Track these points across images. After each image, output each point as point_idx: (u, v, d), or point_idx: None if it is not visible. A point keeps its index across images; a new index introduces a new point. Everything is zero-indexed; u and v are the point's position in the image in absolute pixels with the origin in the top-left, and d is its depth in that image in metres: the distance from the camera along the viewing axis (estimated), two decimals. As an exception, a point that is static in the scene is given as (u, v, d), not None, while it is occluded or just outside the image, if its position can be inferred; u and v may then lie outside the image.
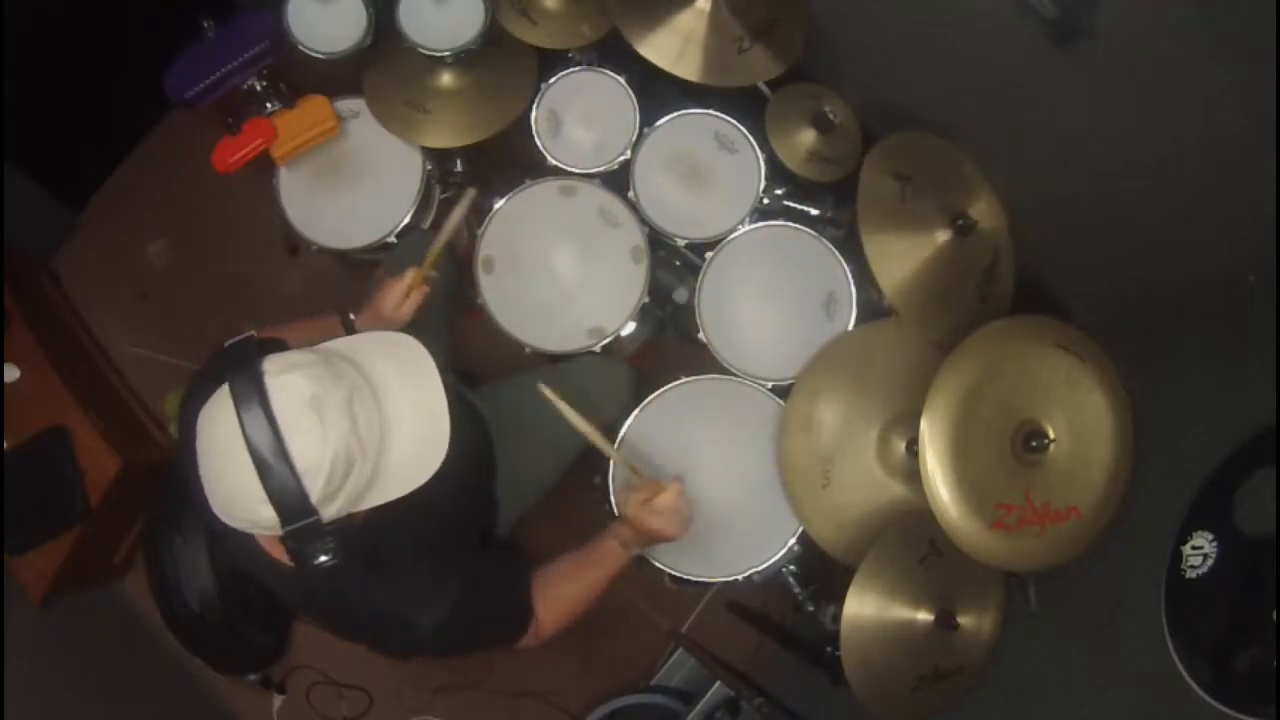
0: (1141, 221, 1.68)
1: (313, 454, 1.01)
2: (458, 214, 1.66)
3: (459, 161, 2.22)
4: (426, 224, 2.16)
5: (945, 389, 1.54)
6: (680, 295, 2.06)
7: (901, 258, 1.74)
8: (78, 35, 2.27)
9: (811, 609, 1.89)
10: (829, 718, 1.95)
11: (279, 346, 1.13)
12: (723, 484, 1.85)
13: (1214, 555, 1.29)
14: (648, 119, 1.99)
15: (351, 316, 1.60)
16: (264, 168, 2.03)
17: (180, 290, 2.67)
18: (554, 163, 1.97)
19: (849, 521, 1.74)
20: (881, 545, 1.64)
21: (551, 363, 1.95)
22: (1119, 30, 1.45)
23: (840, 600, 1.60)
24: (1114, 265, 1.80)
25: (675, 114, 1.99)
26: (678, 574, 1.80)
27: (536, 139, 1.98)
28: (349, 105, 2.07)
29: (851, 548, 1.71)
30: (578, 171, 1.98)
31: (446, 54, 1.92)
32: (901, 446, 1.73)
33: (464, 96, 2.04)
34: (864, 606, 1.60)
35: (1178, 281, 1.65)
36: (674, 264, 2.12)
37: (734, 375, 1.87)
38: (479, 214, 1.99)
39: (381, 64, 2.04)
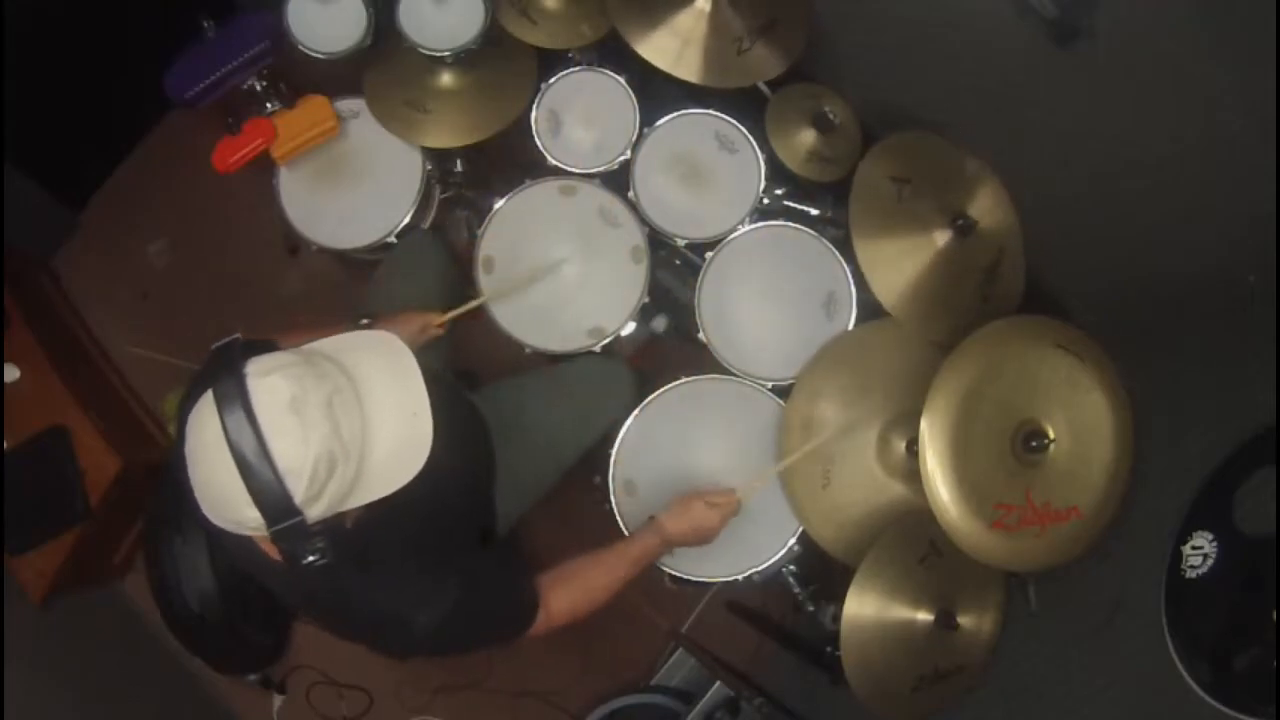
0: (1141, 221, 1.68)
1: (294, 455, 1.01)
2: (482, 300, 1.87)
3: (459, 161, 2.22)
4: (426, 224, 2.16)
5: (945, 389, 1.54)
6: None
7: (899, 260, 1.74)
8: (78, 35, 2.27)
9: (811, 609, 1.89)
10: (829, 718, 1.95)
11: (268, 347, 1.14)
12: (723, 484, 1.84)
13: (1214, 555, 1.29)
14: (648, 119, 1.99)
15: (365, 322, 1.62)
16: (264, 168, 2.03)
17: (180, 290, 2.67)
18: (554, 163, 1.97)
19: (849, 521, 1.74)
20: (881, 545, 1.64)
21: (551, 363, 1.95)
22: (1119, 30, 1.45)
23: (840, 600, 1.60)
24: (1114, 265, 1.80)
25: (675, 114, 1.99)
26: (678, 574, 1.80)
27: (536, 139, 1.98)
28: (349, 105, 2.07)
29: (851, 548, 1.71)
30: (578, 171, 1.98)
31: (446, 54, 1.92)
32: (901, 446, 1.73)
33: (464, 96, 2.04)
34: (864, 606, 1.60)
35: (1178, 281, 1.65)
36: (674, 264, 2.12)
37: (734, 375, 1.87)
38: (479, 214, 1.99)
39: (381, 64, 2.04)
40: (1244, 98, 1.35)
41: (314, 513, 1.05)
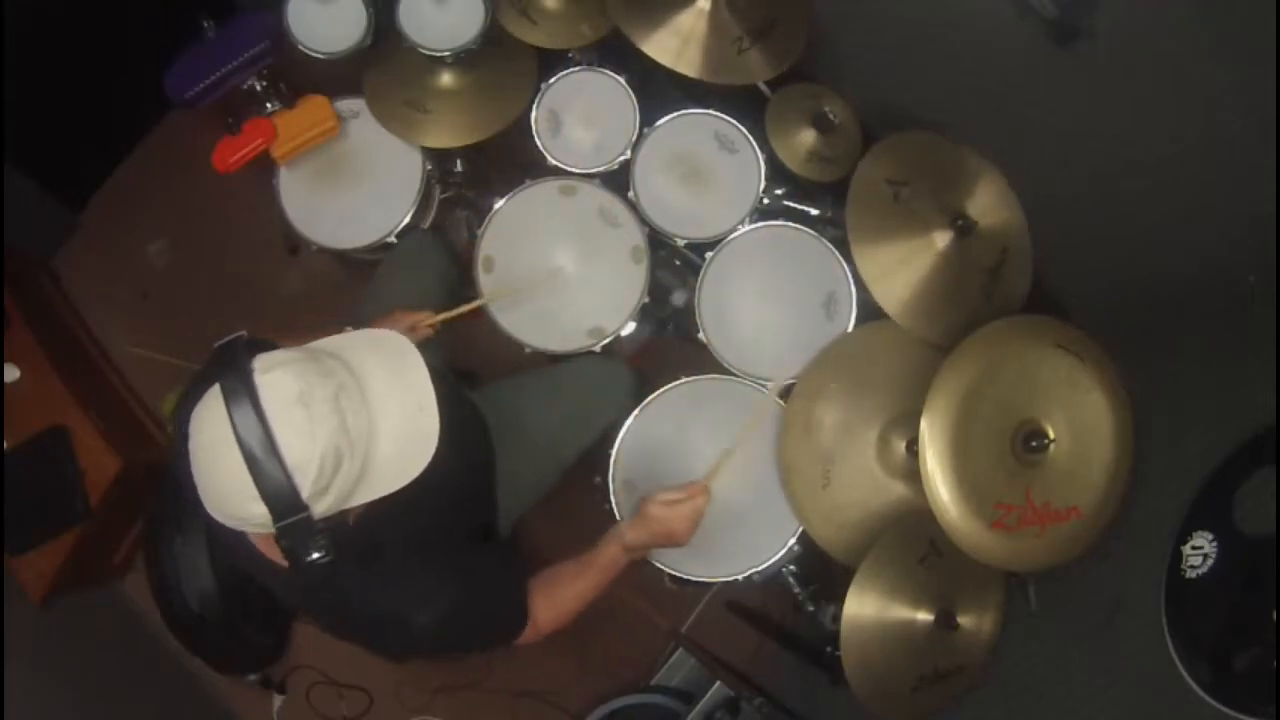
0: (1141, 221, 1.68)
1: (302, 449, 1.01)
2: (476, 304, 1.83)
3: (459, 161, 2.22)
4: (426, 224, 2.16)
5: (945, 389, 1.54)
6: (678, 299, 2.06)
7: (899, 261, 1.74)
8: (78, 35, 2.26)
9: (811, 609, 1.89)
10: (829, 718, 1.95)
11: (269, 346, 1.14)
12: (723, 484, 1.84)
13: (1214, 555, 1.29)
14: (648, 119, 1.99)
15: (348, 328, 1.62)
16: (264, 168, 2.03)
17: (180, 290, 2.67)
18: (554, 163, 1.97)
19: (849, 521, 1.74)
20: (881, 545, 1.64)
21: (551, 363, 1.95)
22: (1119, 30, 1.45)
23: (840, 600, 1.60)
24: (1114, 265, 1.80)
25: (675, 114, 1.99)
26: (678, 574, 1.80)
27: (536, 139, 1.98)
28: (349, 105, 2.07)
29: (851, 548, 1.71)
30: (578, 171, 1.98)
31: (446, 54, 1.92)
32: (901, 446, 1.73)
33: (464, 96, 2.04)
34: (864, 606, 1.60)
35: (1178, 281, 1.65)
36: (674, 264, 2.12)
37: (734, 375, 1.87)
38: (479, 214, 1.99)
39: (381, 64, 2.04)
40: (1244, 98, 1.35)
41: (320, 508, 1.05)
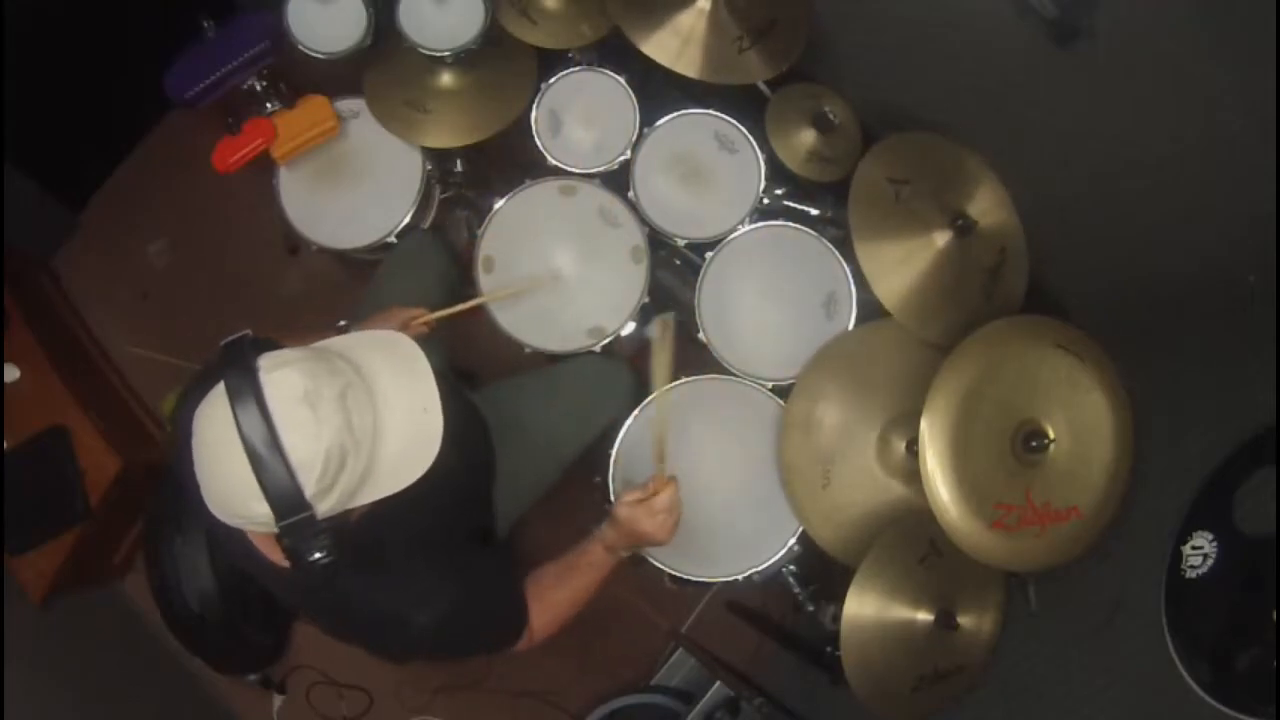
0: (1141, 221, 1.68)
1: (307, 448, 1.01)
2: (474, 303, 1.84)
3: (459, 161, 2.22)
4: (426, 224, 2.16)
5: (945, 389, 1.54)
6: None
7: (899, 261, 1.74)
8: (78, 35, 2.27)
9: (811, 609, 1.89)
10: (829, 718, 1.95)
11: (274, 346, 1.14)
12: (723, 484, 1.85)
13: (1214, 555, 1.29)
14: (648, 119, 1.99)
15: (342, 324, 1.61)
16: (264, 168, 2.03)
17: (180, 290, 2.67)
18: (554, 163, 1.97)
19: (849, 521, 1.74)
20: (881, 545, 1.64)
21: (551, 362, 1.95)
22: (1119, 30, 1.45)
23: (840, 600, 1.60)
24: (1114, 265, 1.80)
25: (675, 114, 1.99)
26: (678, 574, 1.80)
27: (536, 139, 1.98)
28: (349, 105, 2.07)
29: (851, 548, 1.70)
30: (578, 171, 1.98)
31: (446, 54, 1.92)
32: (901, 446, 1.73)
33: (464, 96, 2.04)
34: (864, 606, 1.60)
35: (1178, 281, 1.65)
36: (674, 264, 2.12)
37: (734, 375, 1.87)
38: (479, 214, 1.99)
39: (381, 64, 2.04)
40: (1244, 98, 1.35)
41: (323, 508, 1.04)
